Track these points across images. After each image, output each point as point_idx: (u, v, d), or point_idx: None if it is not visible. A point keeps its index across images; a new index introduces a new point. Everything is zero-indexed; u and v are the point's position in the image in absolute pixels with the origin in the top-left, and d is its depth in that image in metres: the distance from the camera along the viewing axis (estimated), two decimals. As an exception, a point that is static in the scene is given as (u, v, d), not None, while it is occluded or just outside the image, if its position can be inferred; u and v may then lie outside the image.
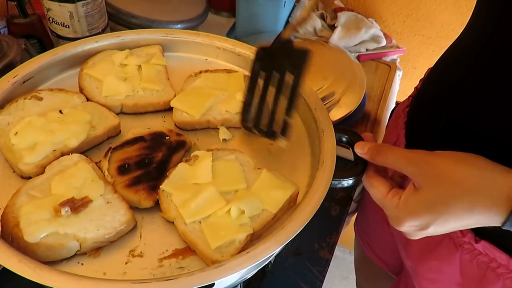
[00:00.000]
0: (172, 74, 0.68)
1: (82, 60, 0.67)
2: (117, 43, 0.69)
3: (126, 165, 0.53)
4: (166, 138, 0.57)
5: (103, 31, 0.89)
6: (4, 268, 0.61)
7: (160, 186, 0.52)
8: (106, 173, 0.53)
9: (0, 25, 0.89)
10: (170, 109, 0.63)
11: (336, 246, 0.80)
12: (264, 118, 0.56)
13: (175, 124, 0.62)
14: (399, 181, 0.54)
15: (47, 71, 0.64)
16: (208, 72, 0.67)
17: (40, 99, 0.60)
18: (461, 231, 0.57)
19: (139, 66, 0.67)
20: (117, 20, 0.97)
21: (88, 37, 0.69)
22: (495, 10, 0.50)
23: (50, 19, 0.85)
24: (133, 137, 0.56)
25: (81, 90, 0.63)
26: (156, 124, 0.63)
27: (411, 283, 0.71)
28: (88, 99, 0.62)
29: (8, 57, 0.74)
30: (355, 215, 1.04)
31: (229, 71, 0.67)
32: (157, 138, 0.56)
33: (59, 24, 0.85)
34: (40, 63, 0.63)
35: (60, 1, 0.81)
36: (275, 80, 0.56)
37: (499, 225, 0.44)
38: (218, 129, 0.62)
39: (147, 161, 0.54)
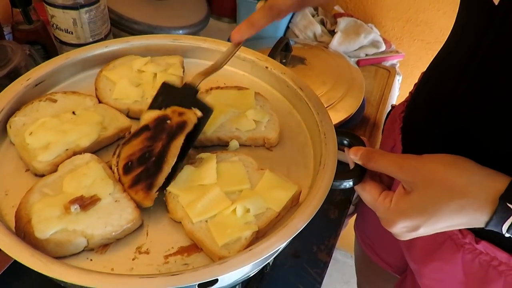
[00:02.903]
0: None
1: (92, 64, 0.69)
2: (126, 48, 0.70)
3: (130, 163, 0.53)
4: (168, 122, 0.56)
5: (105, 37, 0.91)
6: (9, 268, 0.62)
7: (167, 188, 0.53)
8: (116, 173, 0.53)
9: (5, 31, 0.90)
10: None
11: (338, 250, 0.81)
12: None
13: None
14: (387, 182, 0.56)
15: (59, 75, 0.66)
16: (219, 89, 0.67)
17: (54, 101, 0.61)
18: (461, 232, 0.58)
19: (155, 74, 0.68)
20: (120, 26, 0.98)
21: (98, 42, 0.70)
22: (484, 15, 0.51)
23: (54, 25, 0.86)
24: (139, 128, 0.56)
25: (96, 90, 0.65)
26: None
27: (417, 282, 0.72)
28: (99, 100, 0.64)
29: (13, 62, 0.75)
30: (353, 218, 1.04)
31: (240, 88, 0.68)
32: (159, 124, 0.56)
33: (62, 31, 0.86)
34: (51, 67, 0.64)
35: (63, 8, 0.82)
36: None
37: (483, 226, 0.45)
38: (227, 146, 0.62)
39: (147, 155, 0.54)
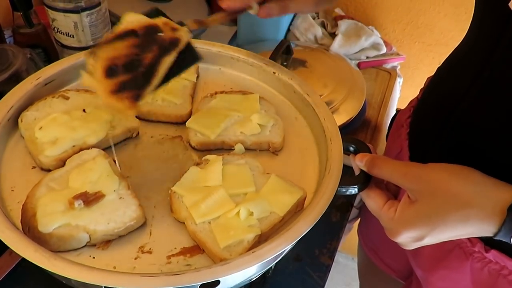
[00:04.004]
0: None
1: None
2: None
3: (114, 67, 0.49)
4: (160, 34, 0.51)
5: (106, 41, 0.91)
6: (10, 273, 0.62)
7: (172, 188, 0.53)
8: (91, 70, 0.50)
9: (6, 34, 0.90)
10: (182, 123, 0.64)
11: (339, 253, 0.80)
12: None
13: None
14: (394, 190, 0.55)
15: (69, 75, 0.67)
16: (224, 93, 0.67)
17: (67, 98, 0.63)
18: (470, 241, 0.58)
19: None
20: (121, 29, 0.98)
21: None
22: (498, 21, 0.50)
23: (55, 29, 0.86)
24: (124, 31, 0.51)
25: None
26: (169, 131, 0.64)
27: None
28: None
29: (14, 66, 0.75)
30: (357, 222, 1.04)
31: (244, 92, 0.68)
32: (149, 34, 0.51)
33: (63, 34, 0.86)
34: (62, 67, 0.66)
35: (64, 11, 0.82)
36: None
37: (491, 235, 0.45)
38: (232, 149, 0.62)
39: (135, 64, 0.50)
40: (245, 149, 0.62)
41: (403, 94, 1.25)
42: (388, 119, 1.07)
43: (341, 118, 0.92)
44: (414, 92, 0.80)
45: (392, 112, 1.12)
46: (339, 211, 0.84)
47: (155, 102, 0.65)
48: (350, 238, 1.09)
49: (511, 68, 0.49)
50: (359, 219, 1.02)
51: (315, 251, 0.77)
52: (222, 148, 0.62)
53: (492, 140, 0.53)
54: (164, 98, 0.65)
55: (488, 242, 0.57)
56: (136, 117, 0.64)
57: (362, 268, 1.10)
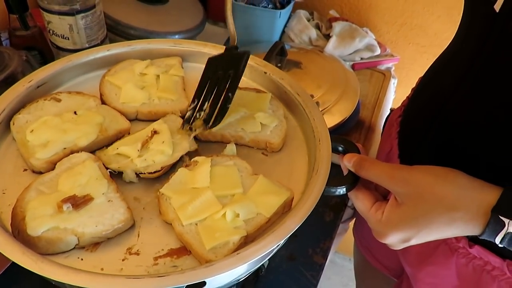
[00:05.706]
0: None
1: (94, 67, 0.70)
2: (128, 52, 0.72)
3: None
4: None
5: (102, 43, 0.92)
6: (6, 272, 0.63)
7: (160, 190, 0.54)
8: None
9: (2, 37, 0.91)
10: (181, 117, 0.63)
11: (336, 254, 0.81)
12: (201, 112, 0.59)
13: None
14: (383, 191, 0.56)
15: (61, 77, 0.67)
16: (238, 89, 0.67)
17: (59, 100, 0.63)
18: (455, 237, 0.59)
19: (158, 76, 0.69)
20: (116, 32, 0.99)
21: (100, 46, 0.71)
22: (484, 22, 0.51)
23: (51, 31, 0.87)
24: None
25: (101, 96, 0.66)
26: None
27: (413, 286, 0.73)
28: (105, 104, 0.65)
29: (10, 68, 0.76)
30: (352, 222, 1.05)
31: (258, 90, 0.68)
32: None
33: (59, 36, 0.87)
34: (54, 69, 0.66)
35: (60, 14, 0.83)
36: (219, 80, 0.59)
37: (477, 235, 0.46)
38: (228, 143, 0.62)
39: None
40: (241, 145, 0.62)
41: (397, 95, 1.26)
42: (382, 120, 1.07)
43: (335, 118, 0.93)
44: (408, 93, 0.80)
45: (386, 113, 1.13)
46: (333, 211, 0.85)
47: (152, 102, 0.65)
48: (347, 239, 1.10)
49: (497, 69, 0.50)
50: (354, 219, 1.03)
51: (309, 250, 0.77)
52: (221, 142, 0.63)
53: (479, 139, 0.53)
54: (161, 96, 0.66)
55: (473, 238, 0.58)
56: (138, 119, 0.65)
57: (358, 267, 1.11)
